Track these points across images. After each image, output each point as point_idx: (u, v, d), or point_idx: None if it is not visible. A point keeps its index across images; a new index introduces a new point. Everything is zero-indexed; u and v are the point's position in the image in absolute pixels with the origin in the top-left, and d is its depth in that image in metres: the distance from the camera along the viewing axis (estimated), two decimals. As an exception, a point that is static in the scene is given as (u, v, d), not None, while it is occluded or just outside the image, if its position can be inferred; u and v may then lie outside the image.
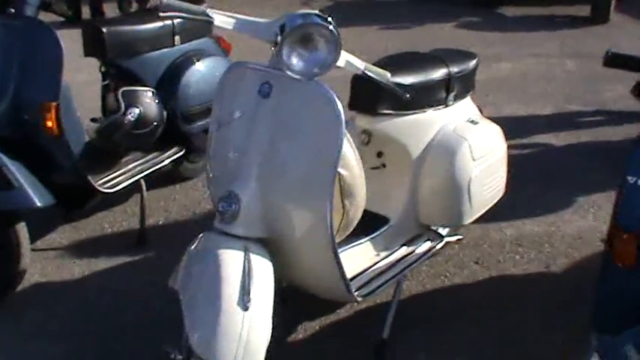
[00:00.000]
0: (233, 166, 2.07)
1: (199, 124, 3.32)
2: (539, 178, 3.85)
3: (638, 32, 6.84)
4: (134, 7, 6.80)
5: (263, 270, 1.92)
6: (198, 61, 3.29)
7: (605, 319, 2.05)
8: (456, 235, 2.89)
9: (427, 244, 2.68)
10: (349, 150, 2.09)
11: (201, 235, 2.08)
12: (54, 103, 2.60)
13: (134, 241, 3.16)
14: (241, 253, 1.93)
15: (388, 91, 2.25)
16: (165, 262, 2.99)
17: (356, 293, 2.25)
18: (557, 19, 7.37)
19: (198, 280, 1.89)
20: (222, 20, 2.01)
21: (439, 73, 2.60)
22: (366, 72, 2.13)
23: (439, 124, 2.64)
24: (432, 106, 2.59)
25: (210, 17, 1.99)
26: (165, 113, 3.14)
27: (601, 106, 5.02)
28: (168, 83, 3.21)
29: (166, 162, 3.24)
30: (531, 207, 3.54)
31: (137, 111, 2.99)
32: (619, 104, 5.00)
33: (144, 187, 3.12)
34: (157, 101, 3.11)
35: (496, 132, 2.82)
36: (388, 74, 2.20)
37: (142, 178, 3.08)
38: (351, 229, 2.25)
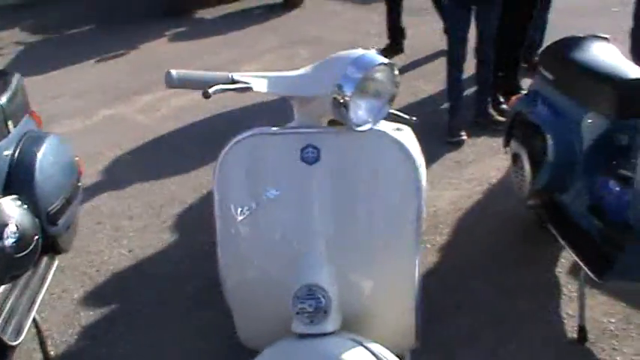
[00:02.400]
0: (289, 255, 1.71)
1: (63, 221, 2.68)
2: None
3: (335, 9, 7.30)
4: None
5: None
6: (37, 148, 2.63)
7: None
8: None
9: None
10: None
11: (268, 350, 1.68)
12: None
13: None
14: (362, 349, 1.62)
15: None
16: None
17: None
18: (256, 12, 7.48)
19: None
20: (260, 84, 1.63)
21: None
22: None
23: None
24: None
25: (248, 83, 1.59)
26: (37, 221, 2.47)
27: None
28: (21, 184, 2.50)
29: (49, 279, 2.56)
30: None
31: (14, 229, 2.29)
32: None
33: (38, 320, 2.44)
34: (25, 208, 2.42)
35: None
36: None
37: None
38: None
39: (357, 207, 1.71)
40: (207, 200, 3.75)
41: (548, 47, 3.00)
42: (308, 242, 1.69)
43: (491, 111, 4.46)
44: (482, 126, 4.33)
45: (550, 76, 2.89)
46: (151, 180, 4.01)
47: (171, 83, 1.57)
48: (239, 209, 1.75)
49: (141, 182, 4.00)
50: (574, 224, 2.72)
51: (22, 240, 2.32)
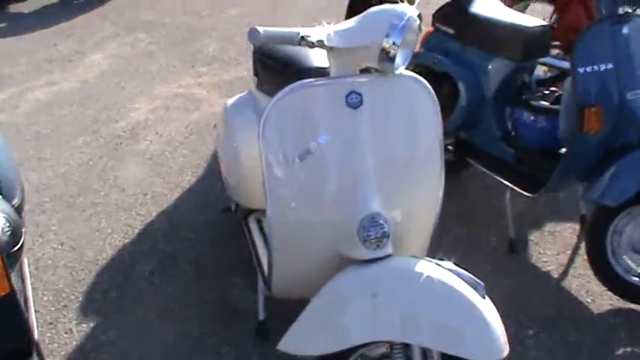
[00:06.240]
0: (346, 192, 1.91)
1: (23, 214, 2.59)
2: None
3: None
4: None
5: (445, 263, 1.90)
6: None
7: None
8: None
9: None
10: None
11: (339, 278, 1.87)
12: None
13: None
14: (425, 262, 1.87)
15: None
16: None
17: None
18: (75, 1, 7.17)
19: (437, 307, 1.75)
20: (331, 40, 1.81)
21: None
22: None
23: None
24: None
25: (324, 41, 1.79)
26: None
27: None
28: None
29: (27, 272, 2.48)
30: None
31: (6, 223, 2.20)
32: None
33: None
34: (6, 202, 2.33)
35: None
36: None
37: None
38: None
39: (396, 141, 1.96)
40: (120, 186, 3.71)
41: (441, 8, 3.38)
42: (362, 177, 1.90)
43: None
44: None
45: (450, 31, 3.29)
46: (55, 174, 3.86)
47: (258, 40, 1.70)
48: (291, 156, 1.90)
49: (44, 177, 3.84)
50: (486, 153, 3.16)
51: (14, 234, 2.24)
